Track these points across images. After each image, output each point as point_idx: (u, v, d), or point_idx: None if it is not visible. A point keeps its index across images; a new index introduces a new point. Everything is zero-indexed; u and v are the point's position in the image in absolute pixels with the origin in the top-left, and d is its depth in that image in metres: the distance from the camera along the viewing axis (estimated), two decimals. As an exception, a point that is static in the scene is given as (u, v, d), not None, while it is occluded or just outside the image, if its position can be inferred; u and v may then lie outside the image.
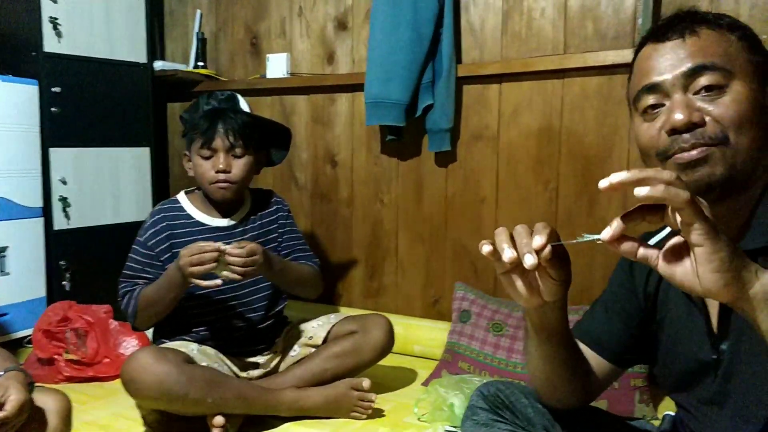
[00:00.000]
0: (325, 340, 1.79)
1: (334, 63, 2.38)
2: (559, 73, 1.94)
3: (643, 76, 0.88)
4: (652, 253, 0.69)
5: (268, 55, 2.48)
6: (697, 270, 0.66)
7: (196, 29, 2.72)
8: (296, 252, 1.88)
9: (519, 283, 0.79)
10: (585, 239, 0.71)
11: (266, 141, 1.86)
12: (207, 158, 1.71)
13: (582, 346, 1.05)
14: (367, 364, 1.76)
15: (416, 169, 2.24)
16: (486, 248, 0.75)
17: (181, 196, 1.81)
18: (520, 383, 1.12)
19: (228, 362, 1.72)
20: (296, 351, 1.80)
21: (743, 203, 0.87)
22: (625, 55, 1.80)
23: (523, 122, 2.03)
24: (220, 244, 1.51)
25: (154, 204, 2.65)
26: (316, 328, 1.82)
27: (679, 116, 0.83)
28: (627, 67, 1.84)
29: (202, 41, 2.70)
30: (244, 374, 1.74)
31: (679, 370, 0.96)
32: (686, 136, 0.83)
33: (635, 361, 1.08)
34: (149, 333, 1.97)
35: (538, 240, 0.73)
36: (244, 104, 1.81)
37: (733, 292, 0.66)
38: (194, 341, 1.71)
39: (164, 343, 1.72)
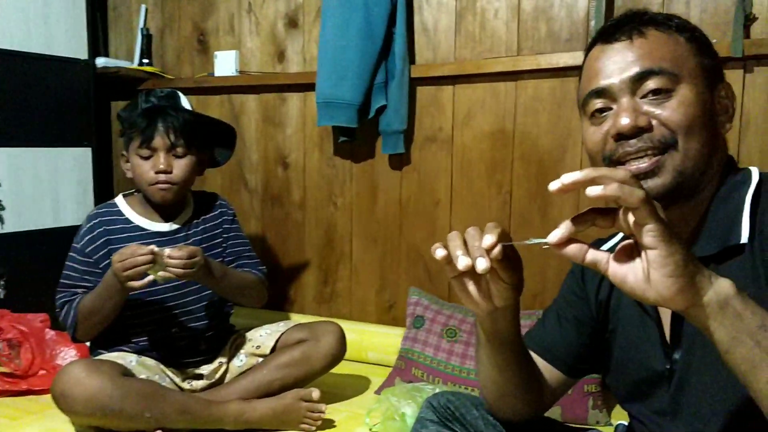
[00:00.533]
0: (273, 349, 1.73)
1: (285, 61, 2.31)
2: (512, 75, 1.92)
3: (591, 79, 0.86)
4: (602, 258, 0.66)
5: (216, 53, 2.39)
6: (649, 275, 0.63)
7: (141, 25, 2.61)
8: (241, 258, 1.81)
9: (471, 287, 0.76)
10: (533, 242, 0.69)
11: (210, 141, 1.78)
12: (146, 158, 1.62)
13: (534, 356, 1.02)
14: (318, 373, 1.70)
15: (370, 171, 2.19)
16: (439, 252, 0.72)
17: (119, 200, 1.73)
18: (471, 394, 1.09)
19: (170, 374, 1.64)
20: (242, 361, 1.73)
21: (692, 208, 0.85)
22: (578, 57, 1.77)
23: (476, 125, 2.00)
24: (153, 247, 1.44)
25: (97, 204, 2.55)
26: (263, 337, 1.75)
27: (625, 120, 0.81)
28: (580, 70, 1.84)
29: (147, 37, 2.59)
30: (187, 386, 1.66)
31: (632, 380, 0.94)
32: (632, 141, 0.81)
33: (588, 370, 1.05)
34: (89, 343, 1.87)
35: (488, 239, 0.70)
36: (185, 102, 1.73)
37: (687, 299, 0.63)
38: (133, 352, 1.63)
39: (101, 354, 1.64)
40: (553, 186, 0.63)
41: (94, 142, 2.55)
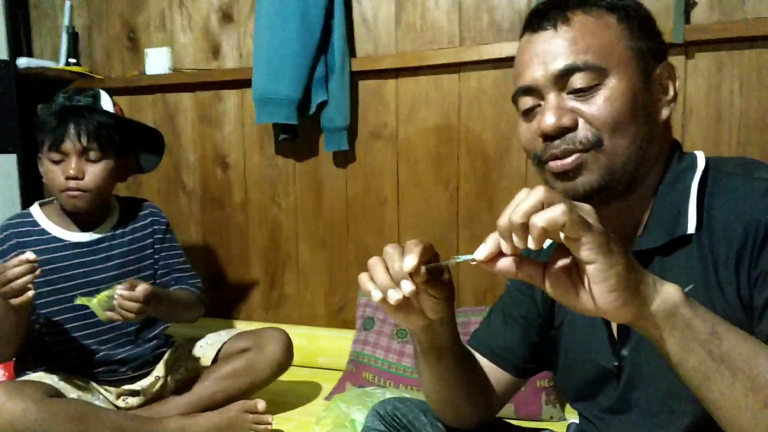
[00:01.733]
0: (215, 360, 1.64)
1: (220, 57, 2.21)
2: (455, 66, 1.88)
3: (519, 74, 0.82)
4: (536, 272, 0.61)
5: (147, 50, 2.27)
6: (590, 289, 0.58)
7: (66, 23, 2.46)
8: (175, 272, 1.70)
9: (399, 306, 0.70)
10: (458, 260, 0.64)
11: (134, 145, 1.66)
12: (56, 162, 1.50)
13: (479, 358, 0.98)
14: (263, 383, 1.63)
15: (314, 170, 2.12)
16: (375, 294, 0.68)
17: (35, 209, 1.60)
18: (419, 399, 1.03)
19: (102, 391, 1.53)
20: (182, 374, 1.64)
21: (635, 201, 0.81)
22: (520, 48, 1.75)
23: (420, 119, 1.95)
24: (28, 255, 1.29)
25: (24, 217, 2.40)
26: (204, 348, 1.66)
27: (548, 120, 0.76)
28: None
29: (73, 36, 2.44)
30: (122, 403, 1.56)
31: (580, 378, 0.90)
32: (557, 141, 0.77)
33: (537, 370, 1.01)
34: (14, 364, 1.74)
35: (409, 262, 0.65)
36: (107, 102, 1.60)
37: (632, 312, 0.59)
38: (60, 371, 1.51)
39: (26, 375, 1.52)
40: (480, 255, 0.61)
41: (19, 148, 2.38)
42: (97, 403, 1.48)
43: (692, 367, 0.61)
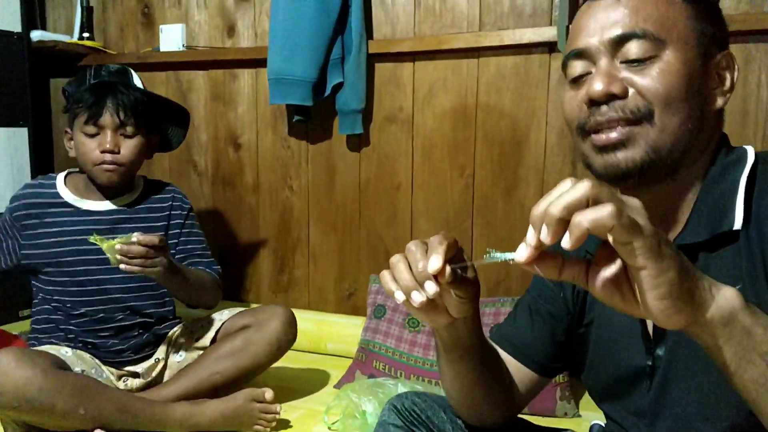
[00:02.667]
0: (214, 340, 1.61)
1: (235, 36, 2.17)
2: (474, 51, 1.83)
3: (573, 39, 0.78)
4: (580, 273, 0.56)
5: (161, 26, 2.23)
6: (639, 294, 0.54)
7: (81, -4, 2.43)
8: (194, 257, 1.69)
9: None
10: (494, 259, 0.59)
11: (161, 122, 1.68)
12: (92, 136, 1.52)
13: (504, 355, 0.95)
14: (264, 362, 1.58)
15: (327, 153, 2.08)
16: (398, 296, 0.65)
17: (59, 177, 1.63)
18: (438, 394, 1.00)
19: (105, 370, 1.53)
20: (182, 356, 1.62)
21: (677, 189, 0.77)
22: (542, 33, 1.70)
23: (437, 104, 1.90)
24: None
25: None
26: (204, 327, 1.64)
27: (598, 86, 0.72)
28: (544, 46, 1.76)
29: (87, 10, 2.41)
30: (122, 385, 1.55)
31: (609, 377, 0.86)
32: (604, 108, 0.73)
33: (562, 369, 0.98)
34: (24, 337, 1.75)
35: (434, 262, 0.62)
36: (137, 80, 1.62)
37: (685, 319, 0.54)
38: (68, 345, 1.52)
39: (36, 346, 1.52)
40: (521, 257, 0.55)
41: (30, 122, 2.37)
42: (101, 380, 1.47)
43: (751, 379, 0.56)
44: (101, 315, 1.56)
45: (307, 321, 2.02)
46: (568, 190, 0.52)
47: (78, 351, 1.51)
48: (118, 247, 1.33)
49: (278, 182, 2.17)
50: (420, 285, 0.63)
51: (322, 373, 1.88)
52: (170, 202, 1.70)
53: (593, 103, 0.74)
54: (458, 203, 1.91)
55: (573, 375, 1.55)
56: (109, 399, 1.38)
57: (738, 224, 0.70)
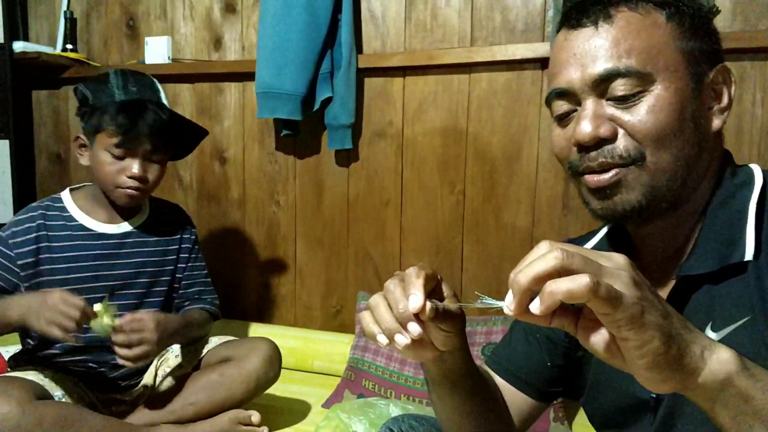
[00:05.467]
0: (197, 367, 1.56)
1: (222, 49, 2.14)
2: (465, 67, 1.82)
3: (554, 75, 0.74)
4: (570, 322, 0.53)
5: (146, 39, 2.20)
6: (626, 360, 0.51)
7: (65, 8, 2.38)
8: (196, 286, 1.65)
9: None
10: (483, 304, 0.55)
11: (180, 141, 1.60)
12: (118, 158, 1.43)
13: (499, 380, 0.91)
14: (240, 398, 1.50)
15: (315, 168, 2.05)
16: (381, 339, 0.63)
17: (65, 194, 1.53)
18: (435, 417, 0.97)
19: (90, 394, 1.47)
20: (167, 384, 1.56)
21: (681, 219, 0.74)
22: (534, 49, 1.70)
23: (428, 119, 1.88)
24: (81, 303, 1.24)
25: (16, 204, 2.32)
26: (190, 353, 1.59)
27: (585, 129, 0.69)
28: (537, 62, 1.75)
29: (71, 21, 2.37)
30: (105, 412, 1.49)
31: (610, 406, 0.82)
32: (593, 153, 0.70)
33: (561, 394, 0.94)
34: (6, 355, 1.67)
35: (415, 302, 0.59)
36: (163, 94, 1.52)
37: (675, 386, 0.52)
38: (50, 368, 1.45)
39: (15, 367, 1.46)
40: (508, 311, 0.51)
41: (12, 134, 2.32)
42: (82, 406, 1.41)
43: None
44: (97, 342, 1.48)
45: (293, 338, 1.98)
46: (539, 259, 0.49)
47: (60, 375, 1.45)
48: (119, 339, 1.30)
49: (265, 197, 2.13)
50: (403, 326, 0.61)
51: (310, 391, 1.83)
52: (180, 227, 1.64)
53: (582, 148, 0.71)
54: (448, 220, 1.89)
55: (571, 398, 1.52)
56: (92, 427, 1.32)
57: (750, 255, 0.67)
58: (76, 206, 1.51)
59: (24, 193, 2.44)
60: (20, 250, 1.43)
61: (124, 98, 1.41)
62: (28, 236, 1.44)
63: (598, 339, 0.52)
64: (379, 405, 1.50)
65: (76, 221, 1.50)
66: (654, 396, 0.75)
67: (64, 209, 1.50)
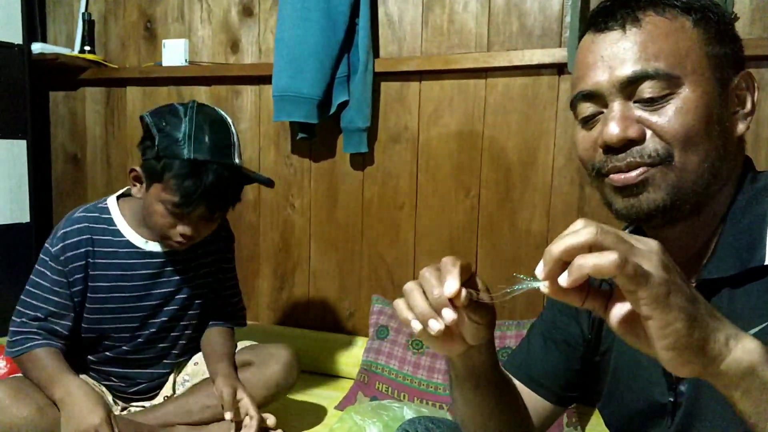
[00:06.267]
0: None
1: (239, 52, 2.16)
2: (482, 72, 1.82)
3: (580, 77, 0.74)
4: (601, 304, 0.54)
5: (164, 41, 2.22)
6: (650, 340, 0.52)
7: (83, 10, 2.41)
8: (225, 297, 1.62)
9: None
10: (518, 289, 0.56)
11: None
12: (174, 215, 1.32)
13: (517, 384, 0.92)
14: (260, 403, 1.47)
15: (330, 171, 2.06)
16: (415, 325, 0.63)
17: (112, 203, 1.44)
18: (450, 420, 0.97)
19: (110, 398, 1.48)
20: (187, 392, 1.57)
21: (702, 223, 0.74)
22: (552, 55, 1.70)
23: (443, 124, 1.89)
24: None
25: (32, 204, 2.35)
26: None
27: (613, 131, 0.69)
28: (554, 68, 1.75)
29: (89, 23, 2.40)
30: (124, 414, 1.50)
31: (628, 410, 0.83)
32: (621, 155, 0.70)
33: (578, 398, 0.94)
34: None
35: (451, 286, 0.60)
36: (236, 141, 1.38)
37: (696, 370, 0.52)
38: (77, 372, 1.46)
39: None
40: (545, 288, 0.53)
41: (29, 135, 2.34)
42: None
43: None
44: (128, 351, 1.49)
45: (306, 340, 1.99)
46: (574, 232, 0.51)
47: (83, 377, 1.45)
48: None
49: (280, 200, 2.15)
50: (437, 312, 0.61)
51: (323, 393, 1.84)
52: (216, 240, 1.55)
53: (609, 149, 0.71)
54: (463, 224, 1.89)
55: (587, 403, 1.52)
56: None
57: None
58: (124, 220, 1.43)
59: (40, 192, 2.47)
60: (72, 265, 1.38)
61: (192, 156, 1.27)
62: (78, 251, 1.38)
63: (625, 319, 0.53)
64: (393, 407, 1.50)
65: (124, 237, 1.42)
66: (672, 400, 0.76)
67: (111, 222, 1.42)
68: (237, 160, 1.36)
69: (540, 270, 0.53)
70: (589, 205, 1.74)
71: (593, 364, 0.89)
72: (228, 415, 1.38)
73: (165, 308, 1.48)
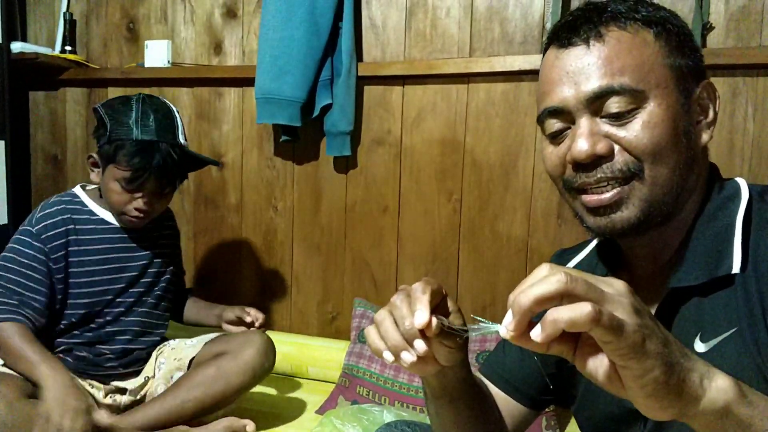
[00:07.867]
0: (190, 365, 1.57)
1: (222, 54, 2.15)
2: (464, 77, 1.83)
3: (546, 93, 0.74)
4: (568, 349, 0.52)
5: (146, 42, 2.20)
6: (626, 388, 0.51)
7: (64, 9, 2.39)
8: (178, 276, 1.77)
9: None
10: (480, 329, 0.55)
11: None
12: (127, 190, 1.48)
13: (492, 388, 0.93)
14: (238, 389, 1.51)
15: (314, 174, 2.06)
16: (387, 356, 0.63)
17: (79, 191, 1.59)
18: (428, 423, 0.98)
19: (87, 387, 1.47)
20: (166, 378, 1.57)
21: (671, 231, 0.75)
22: (532, 61, 1.72)
23: (426, 128, 1.90)
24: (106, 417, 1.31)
25: (10, 205, 2.32)
26: (186, 349, 1.60)
27: (581, 147, 0.70)
28: (534, 74, 1.77)
29: (70, 23, 2.37)
30: (109, 401, 1.50)
31: (600, 414, 0.84)
32: (591, 171, 0.71)
33: (553, 402, 0.96)
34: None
35: (420, 318, 0.60)
36: (181, 127, 1.54)
37: (675, 414, 0.52)
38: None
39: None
40: (504, 334, 0.51)
41: (8, 135, 2.31)
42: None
43: None
44: (105, 330, 1.55)
45: (288, 344, 1.98)
46: (541, 280, 0.49)
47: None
48: None
49: (262, 202, 2.14)
50: (408, 343, 0.61)
51: (304, 397, 1.84)
52: (172, 224, 1.76)
53: (578, 166, 0.72)
54: (445, 228, 1.90)
55: (563, 406, 1.53)
56: None
57: (737, 268, 0.68)
58: (94, 202, 1.56)
59: (19, 194, 2.44)
60: (52, 244, 1.47)
61: (140, 137, 1.43)
62: (59, 230, 1.48)
63: (597, 366, 0.51)
64: (372, 411, 1.51)
65: (97, 215, 1.55)
66: None
67: (83, 204, 1.55)
68: (182, 140, 1.52)
69: (509, 321, 0.50)
70: (568, 210, 1.75)
71: (568, 368, 0.90)
72: (248, 318, 1.63)
73: (141, 279, 1.60)
